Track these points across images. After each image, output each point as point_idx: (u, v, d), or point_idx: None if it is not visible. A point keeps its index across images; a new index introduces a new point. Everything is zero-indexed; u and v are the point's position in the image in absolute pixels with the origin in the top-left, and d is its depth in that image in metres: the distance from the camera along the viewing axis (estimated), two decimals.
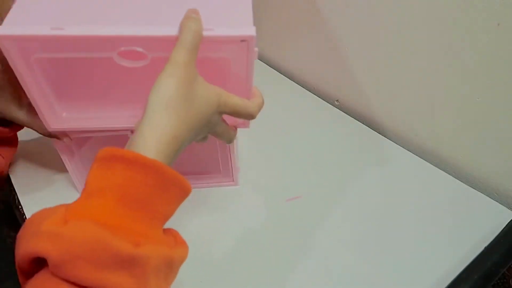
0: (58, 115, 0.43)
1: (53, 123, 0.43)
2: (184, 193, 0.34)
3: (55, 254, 0.26)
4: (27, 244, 0.28)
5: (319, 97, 0.74)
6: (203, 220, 0.52)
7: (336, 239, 0.49)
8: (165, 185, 0.32)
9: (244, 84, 0.40)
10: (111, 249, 0.27)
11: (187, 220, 0.53)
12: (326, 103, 0.72)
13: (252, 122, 0.55)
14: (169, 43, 0.35)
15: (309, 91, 0.75)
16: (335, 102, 0.74)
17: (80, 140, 0.50)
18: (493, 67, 0.49)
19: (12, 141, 0.53)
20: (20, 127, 0.49)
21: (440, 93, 0.57)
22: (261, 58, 0.86)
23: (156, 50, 0.37)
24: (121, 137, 0.46)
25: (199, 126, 0.36)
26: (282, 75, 0.80)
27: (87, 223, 0.27)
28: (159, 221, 0.32)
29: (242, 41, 0.36)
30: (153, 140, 0.32)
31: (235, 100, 0.39)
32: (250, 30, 0.36)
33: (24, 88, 0.39)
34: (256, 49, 0.37)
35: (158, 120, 0.32)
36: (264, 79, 0.80)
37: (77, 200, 0.30)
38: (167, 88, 0.33)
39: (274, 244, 0.49)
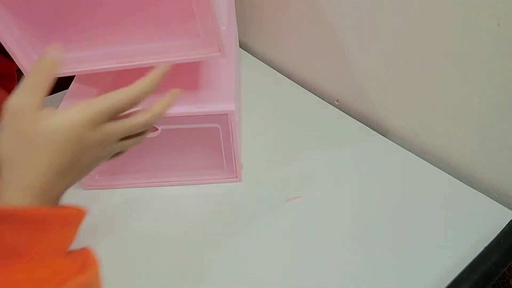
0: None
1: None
2: (65, 220, 0.32)
3: None
4: None
5: (319, 97, 0.74)
6: (203, 220, 0.53)
7: (336, 239, 0.49)
8: (35, 227, 0.30)
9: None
10: None
11: (188, 218, 0.53)
12: (326, 103, 0.72)
13: (251, 122, 0.56)
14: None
15: (309, 91, 0.75)
16: (335, 102, 0.74)
17: None
18: (493, 67, 0.49)
19: (11, 77, 0.55)
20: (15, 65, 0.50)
21: (440, 93, 0.57)
22: (261, 58, 0.86)
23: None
24: None
25: (67, 169, 0.32)
26: (282, 75, 0.80)
27: None
28: (51, 255, 0.31)
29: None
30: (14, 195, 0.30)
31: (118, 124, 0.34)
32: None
33: None
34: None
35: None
36: (264, 79, 0.80)
37: None
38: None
39: (274, 244, 0.49)
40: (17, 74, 0.58)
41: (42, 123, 0.30)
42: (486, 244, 0.46)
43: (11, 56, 0.42)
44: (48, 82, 0.32)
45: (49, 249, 0.31)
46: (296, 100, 0.74)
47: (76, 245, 0.34)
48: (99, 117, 0.32)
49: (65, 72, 0.44)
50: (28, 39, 0.42)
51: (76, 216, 0.33)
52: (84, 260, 0.33)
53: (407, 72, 0.59)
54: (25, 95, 0.30)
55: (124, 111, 0.34)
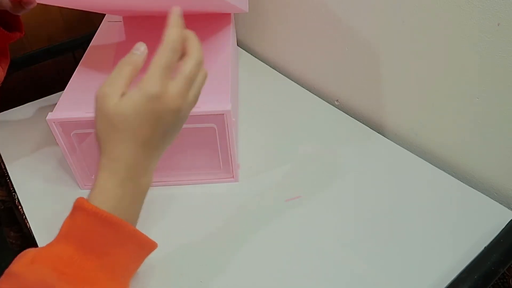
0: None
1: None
2: (142, 250, 0.37)
3: None
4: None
5: (319, 97, 0.74)
6: (202, 219, 0.53)
7: (336, 239, 0.49)
8: (121, 240, 0.35)
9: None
10: None
11: (186, 218, 0.53)
12: (326, 103, 0.72)
13: (251, 121, 0.56)
14: None
15: (309, 91, 0.75)
16: (335, 102, 0.74)
17: (81, 136, 0.52)
18: (493, 67, 0.49)
19: (5, 52, 0.55)
20: (13, 38, 0.52)
21: (440, 93, 0.57)
22: (260, 58, 0.86)
23: None
24: None
25: (154, 142, 0.36)
26: (281, 75, 0.80)
27: (45, 267, 0.31)
28: (119, 273, 0.35)
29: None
30: (109, 186, 0.35)
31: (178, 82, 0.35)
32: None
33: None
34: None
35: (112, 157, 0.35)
36: (264, 79, 0.80)
37: (46, 245, 0.33)
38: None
39: (274, 244, 0.49)
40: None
41: (119, 104, 0.34)
42: (486, 244, 0.46)
43: None
44: (130, 73, 0.35)
45: (120, 267, 0.35)
46: (296, 100, 0.74)
47: None
48: (156, 86, 0.34)
49: None
50: None
51: (150, 244, 0.38)
52: None
53: (407, 72, 0.59)
54: (108, 84, 0.35)
55: (173, 64, 0.35)
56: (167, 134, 0.36)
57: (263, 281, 0.45)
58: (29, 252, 0.33)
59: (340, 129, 0.67)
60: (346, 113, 0.70)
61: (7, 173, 0.61)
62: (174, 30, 0.35)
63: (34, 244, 0.51)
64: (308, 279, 0.45)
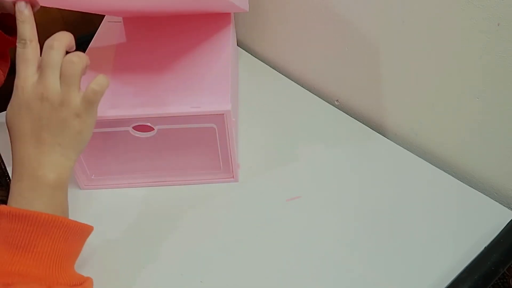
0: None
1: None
2: (72, 233, 0.38)
3: None
4: None
5: (319, 97, 0.74)
6: (202, 219, 0.53)
7: (336, 239, 0.49)
8: (41, 229, 0.36)
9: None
10: None
11: (186, 218, 0.53)
12: (326, 103, 0.72)
13: (251, 121, 0.56)
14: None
15: (309, 91, 0.75)
16: (335, 102, 0.74)
17: None
18: (493, 67, 0.49)
19: (5, 56, 0.56)
20: (14, 42, 0.51)
21: (440, 93, 0.57)
22: (260, 58, 0.86)
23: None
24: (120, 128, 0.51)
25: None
26: (281, 75, 0.80)
27: None
28: (55, 260, 0.36)
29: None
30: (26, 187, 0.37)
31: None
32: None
33: None
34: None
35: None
36: (264, 79, 0.80)
37: None
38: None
39: (273, 244, 0.49)
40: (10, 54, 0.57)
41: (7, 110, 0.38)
42: (486, 244, 0.46)
43: None
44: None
45: (46, 255, 0.36)
46: (296, 100, 0.74)
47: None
48: (16, 80, 0.37)
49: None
50: None
51: (78, 226, 0.39)
52: (83, 282, 0.38)
53: (407, 72, 0.59)
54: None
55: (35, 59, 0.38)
56: (49, 125, 0.38)
57: (263, 281, 0.45)
58: None
59: (340, 129, 0.67)
60: (346, 113, 0.70)
61: (7, 173, 0.61)
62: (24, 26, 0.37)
63: None
64: (308, 279, 0.45)
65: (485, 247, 0.46)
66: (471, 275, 0.43)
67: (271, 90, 0.77)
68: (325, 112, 0.71)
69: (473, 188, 0.55)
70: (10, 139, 0.38)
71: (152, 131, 0.51)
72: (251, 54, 0.88)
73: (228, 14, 0.65)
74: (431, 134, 0.61)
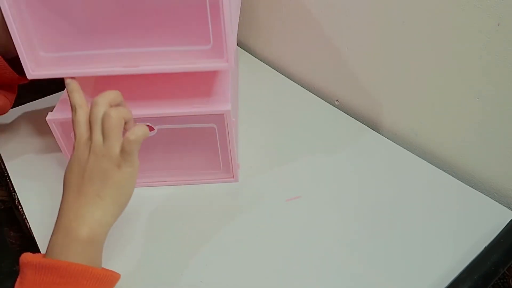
0: (39, 57, 0.44)
1: (34, 69, 0.45)
2: (102, 283, 0.37)
3: None
4: None
5: (319, 97, 0.74)
6: (202, 219, 0.53)
7: (336, 239, 0.49)
8: (74, 281, 0.35)
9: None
10: None
11: (186, 218, 0.53)
12: (326, 103, 0.73)
13: (251, 121, 0.56)
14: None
15: (309, 91, 0.75)
16: (335, 102, 0.74)
17: None
18: (493, 67, 0.49)
19: (13, 88, 0.57)
20: (23, 80, 0.52)
21: (440, 93, 0.57)
22: (260, 58, 0.86)
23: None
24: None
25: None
26: (281, 75, 0.80)
27: None
28: None
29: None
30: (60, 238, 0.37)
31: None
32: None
33: (7, 21, 0.40)
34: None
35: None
36: (263, 79, 0.80)
37: None
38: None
39: (273, 244, 0.49)
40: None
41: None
42: (486, 244, 0.46)
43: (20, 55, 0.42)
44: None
45: None
46: (296, 100, 0.74)
47: None
48: (77, 140, 0.40)
49: (67, 73, 0.45)
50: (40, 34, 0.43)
51: (108, 276, 0.39)
52: None
53: (407, 72, 0.59)
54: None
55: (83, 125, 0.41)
56: (91, 176, 0.38)
57: (263, 281, 0.45)
58: None
59: (340, 129, 0.67)
60: (346, 113, 0.70)
61: (7, 173, 0.61)
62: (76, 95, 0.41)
63: (34, 244, 0.51)
64: (308, 279, 0.45)
65: (485, 247, 0.46)
66: (471, 275, 0.43)
67: (271, 90, 0.77)
68: (325, 112, 0.71)
69: (473, 188, 0.55)
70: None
71: (152, 131, 0.51)
72: (251, 54, 0.88)
73: None
74: (431, 134, 0.61)
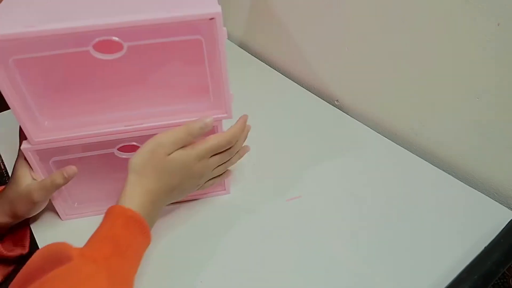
0: (40, 124, 0.44)
1: (36, 135, 0.44)
2: (146, 240, 0.43)
3: None
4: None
5: (319, 97, 0.74)
6: (202, 219, 0.53)
7: (336, 239, 0.49)
8: (141, 235, 0.41)
9: (218, 63, 0.42)
10: None
11: (185, 217, 0.53)
12: (326, 103, 0.73)
13: (250, 121, 0.56)
14: (144, 29, 0.38)
15: (309, 91, 0.75)
16: (335, 102, 0.74)
17: (60, 163, 0.47)
18: (493, 67, 0.49)
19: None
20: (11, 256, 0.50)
21: (440, 93, 0.57)
22: (261, 58, 0.86)
23: (132, 39, 0.39)
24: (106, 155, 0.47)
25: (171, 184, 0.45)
26: (282, 75, 0.80)
27: (93, 264, 0.36)
28: (137, 262, 0.42)
29: (211, 19, 0.38)
30: (137, 196, 0.42)
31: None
32: (216, 8, 0.38)
33: (4, 95, 0.40)
34: (224, 28, 0.39)
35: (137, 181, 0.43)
36: (264, 79, 0.80)
37: (89, 244, 0.39)
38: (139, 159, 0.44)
39: (273, 243, 0.49)
40: None
41: (172, 157, 0.44)
42: (486, 244, 0.46)
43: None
44: (185, 138, 0.44)
45: (136, 253, 0.41)
46: (296, 100, 0.74)
47: None
48: (204, 153, 0.45)
49: (69, 136, 0.44)
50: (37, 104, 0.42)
51: (149, 238, 0.43)
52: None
53: (407, 72, 0.59)
54: (166, 137, 0.43)
55: (222, 149, 0.47)
56: (184, 191, 0.48)
57: (263, 281, 0.45)
58: (71, 249, 0.36)
59: (340, 129, 0.67)
60: (346, 113, 0.70)
61: (7, 173, 0.61)
62: (236, 128, 0.48)
63: (34, 244, 0.51)
64: (308, 279, 0.45)
65: (485, 247, 0.46)
66: (471, 275, 0.43)
67: (271, 90, 0.77)
68: (325, 112, 0.71)
69: (473, 188, 0.55)
70: (156, 174, 0.44)
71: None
72: (251, 54, 0.88)
73: None
74: (431, 134, 0.61)
